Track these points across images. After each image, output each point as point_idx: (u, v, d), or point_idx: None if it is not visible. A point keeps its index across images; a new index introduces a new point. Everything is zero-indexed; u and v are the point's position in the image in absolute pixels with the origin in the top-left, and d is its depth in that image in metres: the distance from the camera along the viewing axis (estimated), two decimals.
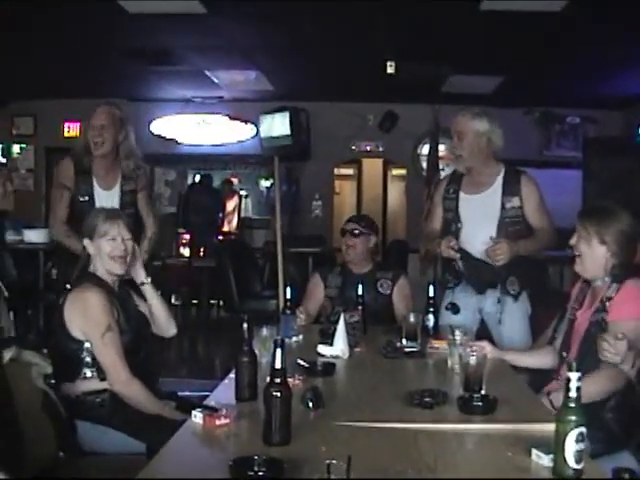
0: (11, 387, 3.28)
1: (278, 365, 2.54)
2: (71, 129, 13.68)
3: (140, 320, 4.09)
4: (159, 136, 13.39)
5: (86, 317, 3.69)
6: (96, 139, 5.40)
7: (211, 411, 2.83)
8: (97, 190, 5.46)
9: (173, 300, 11.34)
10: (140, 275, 4.19)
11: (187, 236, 12.59)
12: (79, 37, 8.81)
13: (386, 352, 4.20)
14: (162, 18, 8.02)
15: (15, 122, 13.93)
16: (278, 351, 2.53)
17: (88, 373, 3.69)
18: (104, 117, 5.43)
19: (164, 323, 4.26)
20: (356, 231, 5.52)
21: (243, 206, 14.16)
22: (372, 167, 14.70)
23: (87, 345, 3.67)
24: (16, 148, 13.95)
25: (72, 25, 8.30)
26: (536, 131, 12.84)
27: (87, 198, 5.46)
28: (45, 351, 3.70)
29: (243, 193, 14.48)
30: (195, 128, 13.33)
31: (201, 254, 12.19)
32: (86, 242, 3.95)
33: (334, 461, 2.00)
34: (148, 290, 4.22)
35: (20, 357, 3.49)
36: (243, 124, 13.04)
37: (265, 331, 3.85)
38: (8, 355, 3.46)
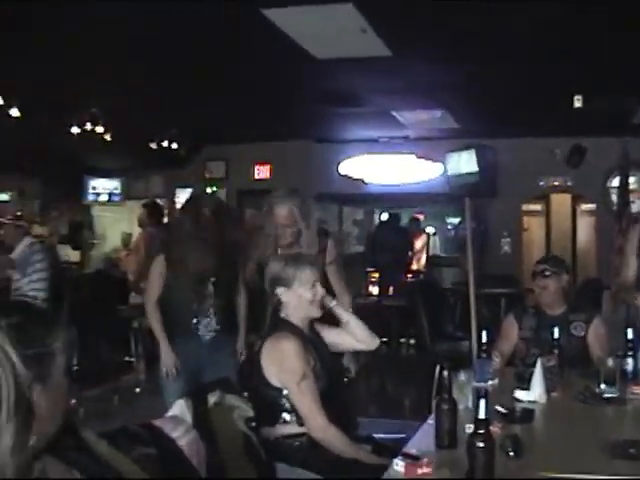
0: (215, 430, 3.38)
1: (482, 416, 2.52)
2: (261, 172, 14.09)
3: (335, 364, 4.12)
4: (347, 176, 13.56)
5: (282, 366, 3.75)
6: (281, 238, 5.40)
7: (412, 459, 2.83)
8: None
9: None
10: (326, 301, 4.23)
11: (376, 275, 12.64)
12: (267, 82, 9.07)
13: (584, 398, 4.09)
14: (348, 62, 8.15)
15: (208, 166, 14.43)
16: (482, 401, 2.51)
17: (287, 417, 3.75)
18: (288, 218, 5.32)
19: (365, 336, 4.28)
20: (547, 272, 5.41)
21: (431, 244, 14.13)
22: (560, 202, 14.40)
23: (285, 392, 3.74)
24: (209, 191, 14.41)
25: (260, 70, 8.55)
26: None
27: None
28: (245, 394, 3.79)
29: (431, 230, 14.47)
30: (382, 168, 13.42)
31: (390, 293, 12.22)
32: (280, 290, 3.97)
33: None
34: (340, 311, 4.25)
35: (223, 401, 3.59)
36: (430, 163, 13.03)
37: (462, 376, 3.82)
38: (213, 399, 3.57)
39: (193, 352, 5.50)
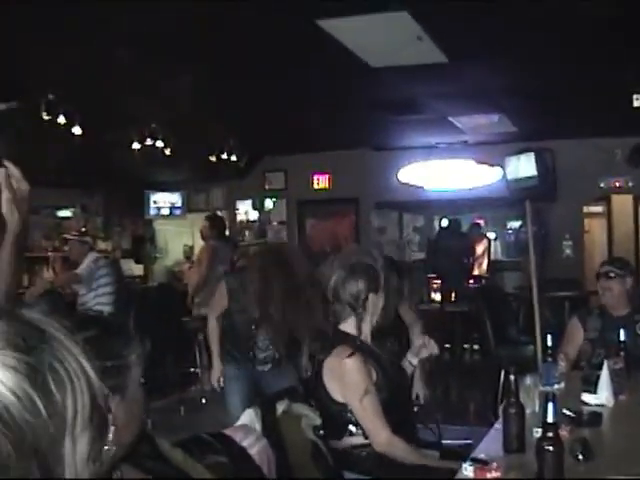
0: (284, 438, 3.41)
1: (550, 419, 2.52)
2: (320, 181, 14.15)
3: (396, 373, 4.11)
4: (406, 183, 13.55)
5: (344, 382, 3.76)
6: None
7: (481, 464, 2.84)
8: None
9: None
10: (423, 352, 4.24)
11: (438, 281, 12.60)
12: (324, 92, 9.12)
13: None
14: (405, 69, 8.17)
15: (267, 177, 14.52)
16: (550, 405, 2.51)
17: (353, 430, 3.77)
18: None
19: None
20: (611, 274, 5.37)
21: (492, 249, 14.05)
22: (622, 203, 14.20)
23: (350, 407, 3.76)
24: (268, 202, 14.52)
25: (316, 81, 8.62)
26: None
27: None
28: (312, 403, 3.82)
29: (491, 235, 14.39)
30: (441, 174, 13.39)
31: (452, 299, 12.16)
32: (372, 297, 3.96)
33: None
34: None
35: (291, 409, 3.62)
36: (489, 167, 12.97)
37: (529, 380, 3.81)
38: (281, 408, 3.60)
39: (249, 373, 5.69)
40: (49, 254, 12.38)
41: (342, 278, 4.01)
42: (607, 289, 5.35)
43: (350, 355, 3.76)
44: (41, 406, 1.21)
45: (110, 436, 1.65)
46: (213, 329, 5.85)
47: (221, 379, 5.74)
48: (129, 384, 1.81)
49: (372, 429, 3.68)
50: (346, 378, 3.75)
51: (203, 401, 9.10)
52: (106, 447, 1.66)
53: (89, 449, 1.26)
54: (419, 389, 5.35)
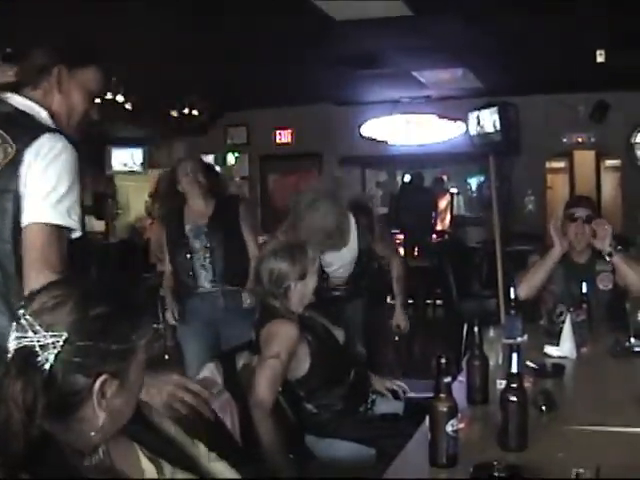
0: (244, 391, 3.39)
1: (514, 370, 2.50)
2: (282, 136, 14.08)
3: (336, 346, 4.06)
4: (369, 138, 13.51)
5: (266, 341, 3.61)
6: None
7: None
8: None
9: (389, 300, 11.35)
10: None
11: (401, 236, 12.57)
12: (287, 46, 9.01)
13: (614, 352, 4.07)
14: (368, 22, 8.09)
15: (229, 132, 14.42)
16: (514, 356, 2.49)
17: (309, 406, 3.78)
18: None
19: None
20: (584, 218, 5.22)
21: (455, 204, 14.08)
22: (584, 159, 14.25)
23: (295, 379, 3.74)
24: (230, 157, 14.43)
25: (279, 35, 8.51)
26: None
27: None
28: None
29: (454, 191, 14.40)
30: (404, 128, 13.35)
31: (415, 254, 12.15)
32: (292, 286, 3.80)
33: (581, 470, 1.95)
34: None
35: (252, 362, 3.60)
36: (452, 122, 12.95)
37: (492, 333, 3.81)
38: (242, 361, 3.58)
39: (196, 307, 5.54)
40: None
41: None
42: (581, 234, 5.16)
43: (284, 323, 3.67)
44: None
45: (100, 422, 1.61)
46: (167, 274, 5.77)
47: (176, 312, 5.58)
48: (132, 371, 1.71)
49: (258, 388, 3.40)
50: (269, 337, 3.61)
51: (166, 357, 9.06)
52: (92, 433, 1.62)
53: None
54: (400, 319, 5.79)
